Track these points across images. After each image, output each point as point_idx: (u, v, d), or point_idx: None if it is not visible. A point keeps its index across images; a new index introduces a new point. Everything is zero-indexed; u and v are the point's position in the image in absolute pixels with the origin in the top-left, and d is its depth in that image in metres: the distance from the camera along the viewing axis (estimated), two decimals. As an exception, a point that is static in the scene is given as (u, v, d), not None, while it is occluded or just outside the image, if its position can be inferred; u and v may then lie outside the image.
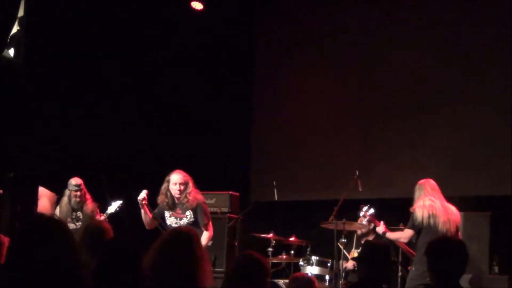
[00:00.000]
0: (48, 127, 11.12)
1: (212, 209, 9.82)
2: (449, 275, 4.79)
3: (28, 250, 3.04)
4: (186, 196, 8.69)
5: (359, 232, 10.07)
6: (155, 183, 9.10)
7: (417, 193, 8.60)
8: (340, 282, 9.22)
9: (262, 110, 13.11)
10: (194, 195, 8.75)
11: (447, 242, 5.22)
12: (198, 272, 4.10)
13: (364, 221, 9.30)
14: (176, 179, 8.77)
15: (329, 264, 9.62)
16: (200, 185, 10.59)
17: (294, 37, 12.85)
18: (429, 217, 8.29)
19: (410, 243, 8.71)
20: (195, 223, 8.55)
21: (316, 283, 6.64)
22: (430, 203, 8.39)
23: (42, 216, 3.34)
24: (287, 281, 8.88)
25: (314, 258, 9.70)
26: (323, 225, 9.67)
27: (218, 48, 12.93)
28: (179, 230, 4.50)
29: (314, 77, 12.52)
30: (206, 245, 8.43)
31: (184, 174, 8.86)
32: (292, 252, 10.14)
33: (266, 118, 13.01)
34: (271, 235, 10.07)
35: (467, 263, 4.91)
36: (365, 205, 9.11)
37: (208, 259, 4.32)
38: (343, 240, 9.42)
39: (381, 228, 8.78)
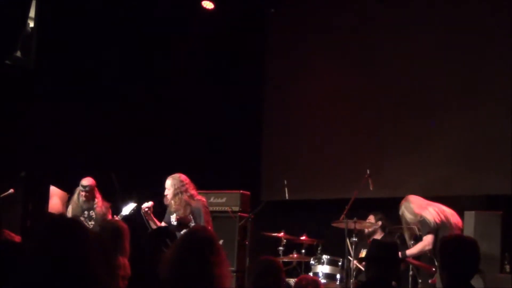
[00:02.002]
0: (59, 126, 11.15)
1: (223, 208, 9.84)
2: (461, 274, 4.76)
3: (50, 250, 2.97)
4: (175, 203, 8.78)
5: (366, 231, 10.05)
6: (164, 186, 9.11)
7: (408, 210, 8.68)
8: (351, 281, 9.21)
9: (273, 109, 13.12)
10: (185, 201, 8.77)
11: (461, 240, 5.16)
12: (213, 278, 3.93)
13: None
14: (165, 184, 8.89)
15: (340, 263, 9.61)
16: (211, 184, 10.65)
17: (305, 37, 12.84)
18: (439, 216, 8.27)
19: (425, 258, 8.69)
20: None
21: (321, 284, 6.66)
22: (432, 207, 8.41)
23: (63, 217, 3.29)
24: (297, 280, 8.88)
25: (325, 257, 9.68)
26: (334, 224, 9.65)
27: (229, 47, 12.93)
28: (190, 235, 4.24)
29: (325, 76, 12.51)
30: None
31: (173, 177, 8.93)
32: (303, 251, 10.12)
33: (277, 117, 13.01)
34: (282, 234, 10.06)
35: (479, 262, 4.88)
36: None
37: (225, 261, 4.19)
38: (354, 239, 9.40)
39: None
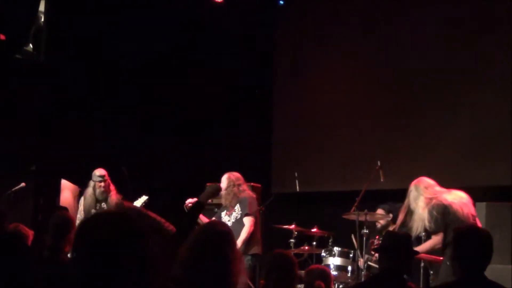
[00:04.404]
0: (69, 120, 11.18)
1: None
2: (475, 266, 4.75)
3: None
4: (226, 194, 9.38)
5: (378, 225, 10.04)
6: (178, 176, 9.15)
7: (412, 194, 8.44)
8: (363, 273, 9.21)
9: (283, 101, 13.11)
10: (234, 193, 9.38)
11: (475, 232, 5.16)
12: (229, 274, 3.89)
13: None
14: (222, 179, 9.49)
15: (351, 255, 9.61)
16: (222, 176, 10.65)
17: (315, 28, 12.83)
18: (445, 209, 8.13)
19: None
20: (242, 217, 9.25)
21: (331, 274, 6.68)
22: (436, 201, 8.22)
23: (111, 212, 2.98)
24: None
25: (336, 249, 9.67)
26: (345, 216, 9.64)
27: (238, 40, 12.92)
28: (207, 229, 4.15)
29: (335, 68, 12.50)
30: (246, 238, 9.09)
31: (230, 173, 9.56)
32: (314, 243, 10.12)
33: (287, 109, 13.00)
34: (293, 226, 10.06)
35: (491, 254, 4.87)
36: (375, 239, 9.16)
37: (241, 257, 4.15)
38: (365, 231, 9.39)
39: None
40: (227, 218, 9.34)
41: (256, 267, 9.41)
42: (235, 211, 9.31)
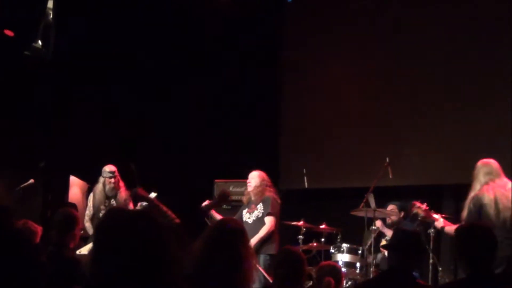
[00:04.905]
0: (78, 116, 11.20)
1: (242, 197, 9.88)
2: (480, 261, 4.74)
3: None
4: (255, 193, 9.46)
5: (389, 221, 10.02)
6: (185, 172, 9.15)
7: (476, 175, 8.04)
8: (371, 269, 9.20)
9: (291, 97, 13.08)
10: (261, 192, 9.46)
11: (476, 227, 5.19)
12: (241, 271, 3.90)
13: (420, 217, 8.88)
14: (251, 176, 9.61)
15: (359, 252, 9.61)
16: (230, 173, 10.68)
17: (323, 23, 12.80)
18: (480, 208, 7.86)
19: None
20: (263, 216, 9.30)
21: (341, 271, 6.66)
22: (479, 194, 7.81)
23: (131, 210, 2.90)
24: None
25: (344, 245, 9.68)
26: (353, 213, 9.65)
27: (247, 34, 12.88)
28: (220, 226, 4.17)
29: (343, 64, 12.47)
30: (264, 236, 9.11)
31: (259, 173, 9.63)
32: (323, 239, 10.12)
33: (295, 105, 12.98)
34: (301, 222, 10.05)
35: (495, 248, 4.86)
36: (417, 201, 8.69)
37: (254, 256, 4.15)
38: (374, 227, 9.39)
39: (439, 223, 8.29)
40: (247, 216, 9.41)
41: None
42: (257, 210, 9.35)
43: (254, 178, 9.48)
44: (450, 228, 8.12)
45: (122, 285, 2.55)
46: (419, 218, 8.77)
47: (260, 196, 9.39)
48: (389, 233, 9.83)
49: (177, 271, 2.68)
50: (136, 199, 6.08)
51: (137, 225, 2.64)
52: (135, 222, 2.66)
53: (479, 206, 7.78)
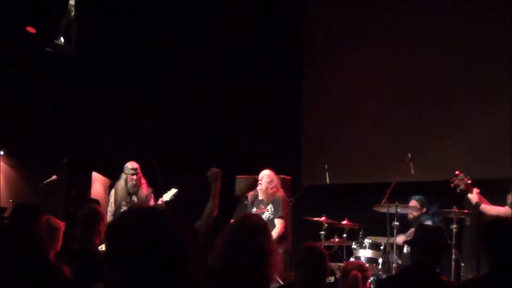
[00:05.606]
0: (100, 113, 11.24)
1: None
2: (504, 256, 4.68)
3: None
4: (266, 192, 9.38)
5: (411, 216, 9.99)
6: (208, 168, 9.09)
7: None
8: (393, 265, 9.17)
9: (313, 94, 13.06)
10: (272, 193, 9.36)
11: (502, 221, 5.05)
12: (265, 266, 3.89)
13: (458, 190, 8.65)
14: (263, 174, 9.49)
15: (382, 247, 9.57)
16: (253, 169, 10.64)
17: (345, 19, 12.76)
18: None
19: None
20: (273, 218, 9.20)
21: (368, 268, 6.63)
22: None
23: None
24: (340, 264, 8.88)
25: (367, 241, 9.65)
26: (375, 208, 9.63)
27: (268, 29, 12.86)
28: (243, 221, 4.13)
29: (365, 60, 12.43)
30: (275, 240, 8.81)
31: (271, 173, 9.54)
32: (345, 235, 10.10)
33: (317, 101, 12.95)
34: (323, 218, 10.04)
35: None
36: (462, 172, 8.52)
37: (277, 250, 4.14)
38: (396, 223, 9.36)
39: (474, 196, 8.13)
40: None
41: (287, 263, 9.38)
42: (267, 211, 9.29)
43: (267, 177, 9.43)
44: (488, 208, 8.01)
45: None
46: (458, 190, 8.55)
47: (271, 196, 9.36)
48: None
49: (194, 269, 2.62)
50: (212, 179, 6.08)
51: (145, 225, 2.58)
52: (143, 222, 2.60)
53: None
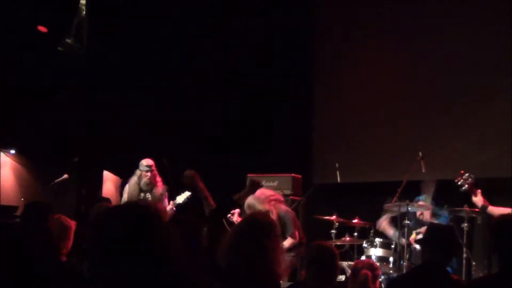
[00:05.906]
0: (111, 112, 11.26)
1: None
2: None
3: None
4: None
5: (418, 213, 9.97)
6: (219, 168, 9.14)
7: None
8: (404, 264, 9.16)
9: (324, 92, 13.05)
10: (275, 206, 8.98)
11: (510, 220, 5.06)
12: (268, 263, 3.90)
13: (462, 189, 8.59)
14: None
15: (392, 246, 9.57)
16: (263, 168, 10.66)
17: (357, 16, 12.74)
18: None
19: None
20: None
21: (378, 267, 6.61)
22: None
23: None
24: (351, 263, 8.87)
25: (377, 240, 9.64)
26: (386, 207, 9.62)
27: (278, 28, 12.86)
28: (250, 219, 4.20)
29: (376, 59, 12.41)
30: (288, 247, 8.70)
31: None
32: (356, 234, 10.09)
33: (328, 100, 12.94)
34: (334, 217, 10.03)
35: None
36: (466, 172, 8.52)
37: (281, 248, 4.14)
38: (407, 221, 9.34)
39: (478, 199, 7.84)
40: None
41: (298, 266, 9.34)
42: None
43: (246, 208, 8.86)
44: (495, 210, 7.95)
45: (122, 285, 2.52)
46: (462, 190, 8.50)
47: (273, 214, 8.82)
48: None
49: (180, 268, 2.62)
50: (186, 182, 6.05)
51: (127, 223, 2.58)
52: (125, 220, 2.59)
53: None
